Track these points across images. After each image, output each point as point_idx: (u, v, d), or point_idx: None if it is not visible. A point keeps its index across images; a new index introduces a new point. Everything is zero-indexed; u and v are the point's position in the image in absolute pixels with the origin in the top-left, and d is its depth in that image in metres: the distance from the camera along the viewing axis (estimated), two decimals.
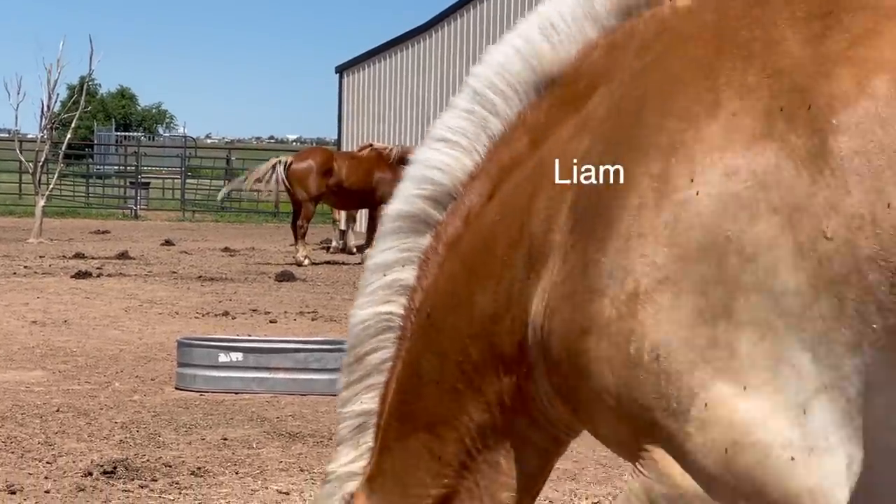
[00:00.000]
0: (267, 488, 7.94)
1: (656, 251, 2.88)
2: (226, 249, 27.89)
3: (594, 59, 3.28)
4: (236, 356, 11.32)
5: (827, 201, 2.74)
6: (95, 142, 67.48)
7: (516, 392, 3.40)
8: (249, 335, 13.69)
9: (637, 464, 3.01)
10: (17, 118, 50.38)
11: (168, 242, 29.20)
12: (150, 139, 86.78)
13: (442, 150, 3.51)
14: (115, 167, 56.96)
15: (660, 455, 2.93)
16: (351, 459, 3.72)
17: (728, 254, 2.81)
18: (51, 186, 34.99)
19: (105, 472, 8.13)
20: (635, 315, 2.90)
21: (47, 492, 7.78)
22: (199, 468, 8.37)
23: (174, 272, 22.44)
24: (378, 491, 3.64)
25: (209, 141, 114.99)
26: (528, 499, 3.58)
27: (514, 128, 3.42)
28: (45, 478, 8.09)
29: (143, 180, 48.09)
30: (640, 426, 2.95)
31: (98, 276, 21.19)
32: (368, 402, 3.67)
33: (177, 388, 11.29)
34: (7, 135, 59.17)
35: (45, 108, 35.90)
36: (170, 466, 8.38)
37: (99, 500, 7.65)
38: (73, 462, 8.48)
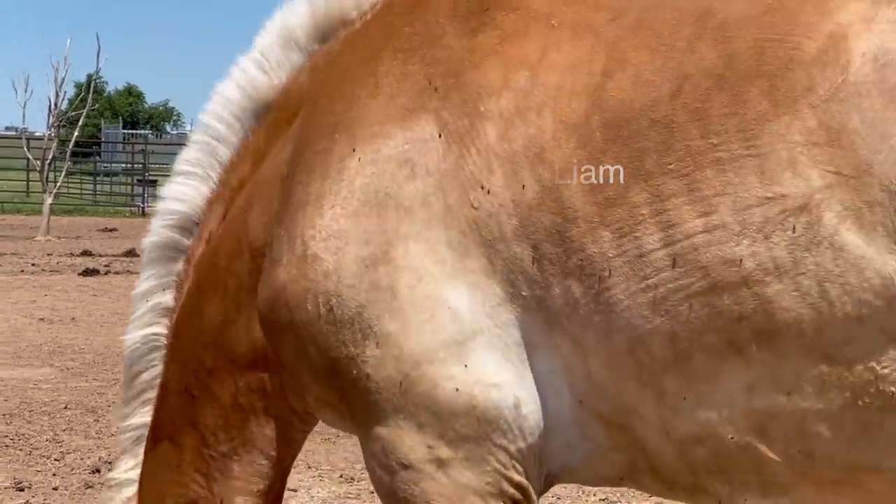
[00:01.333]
0: None
1: (322, 214, 3.22)
2: None
3: (301, 82, 3.63)
4: None
5: (474, 176, 3.09)
6: (103, 139, 67.59)
7: (251, 391, 3.60)
8: None
9: (349, 425, 3.34)
10: (24, 116, 50.43)
11: None
12: (157, 137, 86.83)
13: (181, 182, 3.83)
14: (123, 165, 57.01)
15: (370, 430, 3.21)
16: (130, 467, 3.95)
17: (387, 208, 3.15)
18: (58, 184, 35.05)
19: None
20: (306, 275, 3.22)
21: (55, 489, 7.79)
22: None
23: None
24: (141, 498, 3.87)
25: None
26: (264, 501, 3.73)
27: (240, 153, 3.75)
28: (53, 475, 8.11)
29: (150, 178, 48.01)
30: (332, 380, 3.25)
31: (105, 273, 21.23)
32: (144, 415, 3.90)
33: None
34: (14, 132, 59.27)
35: (53, 106, 35.98)
36: None
37: None
38: (81, 459, 8.49)
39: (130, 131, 78.79)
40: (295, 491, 7.81)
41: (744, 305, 2.82)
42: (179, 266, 3.84)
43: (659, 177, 2.90)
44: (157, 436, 3.82)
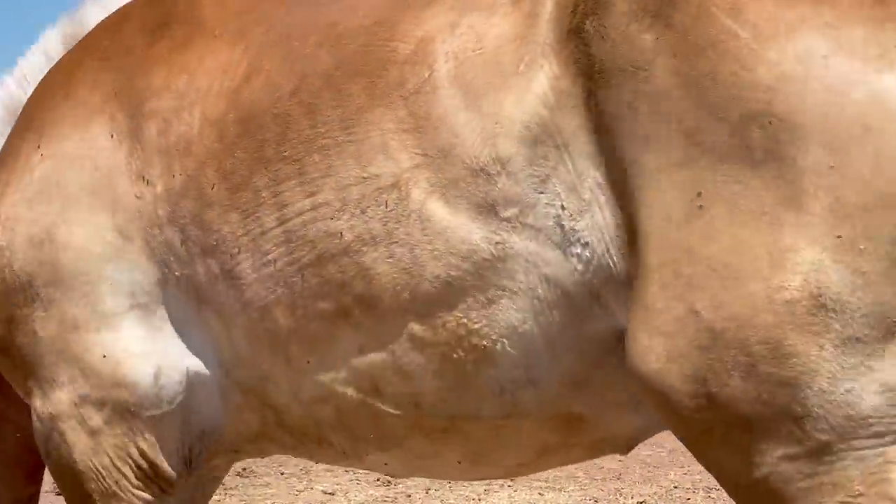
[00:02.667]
0: (311, 488, 7.94)
1: (4, 200, 3.68)
2: None
3: None
4: None
5: (138, 169, 3.49)
6: None
7: None
8: None
9: (27, 397, 3.68)
10: None
11: None
12: None
13: None
14: None
15: (32, 382, 3.61)
16: None
17: (56, 196, 3.57)
18: None
19: None
20: None
21: None
22: (244, 469, 8.39)
23: None
24: None
25: None
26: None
27: None
28: None
29: None
30: (9, 338, 3.65)
31: None
32: None
33: None
34: None
35: None
36: None
37: None
38: None
39: None
40: (332, 494, 7.82)
41: (346, 273, 3.15)
42: None
43: (276, 163, 3.26)
44: None
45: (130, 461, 3.54)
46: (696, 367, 2.76)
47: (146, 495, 3.57)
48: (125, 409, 3.49)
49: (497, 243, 3.01)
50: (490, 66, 3.06)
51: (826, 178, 2.65)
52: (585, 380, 3.07)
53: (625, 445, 3.31)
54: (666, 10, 2.84)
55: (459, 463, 3.36)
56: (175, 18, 3.68)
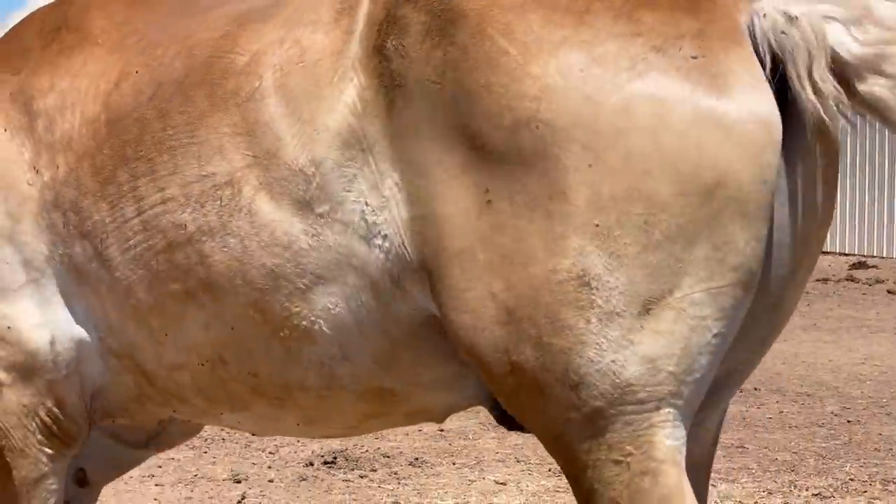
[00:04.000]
0: (484, 478, 7.99)
1: None
2: None
3: None
4: None
5: (29, 161, 3.92)
6: None
7: None
8: None
9: None
10: None
11: None
12: None
13: None
14: None
15: None
16: None
17: None
18: None
19: (326, 463, 8.31)
20: None
21: (271, 481, 7.99)
22: (416, 458, 8.49)
23: None
24: None
25: None
26: None
27: None
28: (269, 467, 8.31)
29: None
30: None
31: None
32: None
33: None
34: None
35: None
36: (388, 457, 8.52)
37: (320, 489, 7.83)
38: (295, 452, 8.69)
39: None
40: (504, 484, 7.85)
41: (190, 260, 3.59)
42: None
43: (134, 161, 3.70)
44: None
45: (37, 420, 3.98)
46: (498, 339, 3.19)
47: (49, 450, 4.01)
48: (30, 373, 3.94)
49: (313, 236, 3.43)
50: (309, 77, 3.47)
51: (585, 174, 3.05)
52: (394, 359, 3.50)
53: (440, 416, 3.73)
54: (450, 30, 3.26)
55: (298, 425, 3.83)
56: (67, 25, 4.11)
